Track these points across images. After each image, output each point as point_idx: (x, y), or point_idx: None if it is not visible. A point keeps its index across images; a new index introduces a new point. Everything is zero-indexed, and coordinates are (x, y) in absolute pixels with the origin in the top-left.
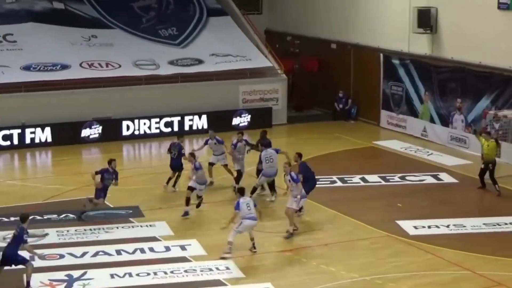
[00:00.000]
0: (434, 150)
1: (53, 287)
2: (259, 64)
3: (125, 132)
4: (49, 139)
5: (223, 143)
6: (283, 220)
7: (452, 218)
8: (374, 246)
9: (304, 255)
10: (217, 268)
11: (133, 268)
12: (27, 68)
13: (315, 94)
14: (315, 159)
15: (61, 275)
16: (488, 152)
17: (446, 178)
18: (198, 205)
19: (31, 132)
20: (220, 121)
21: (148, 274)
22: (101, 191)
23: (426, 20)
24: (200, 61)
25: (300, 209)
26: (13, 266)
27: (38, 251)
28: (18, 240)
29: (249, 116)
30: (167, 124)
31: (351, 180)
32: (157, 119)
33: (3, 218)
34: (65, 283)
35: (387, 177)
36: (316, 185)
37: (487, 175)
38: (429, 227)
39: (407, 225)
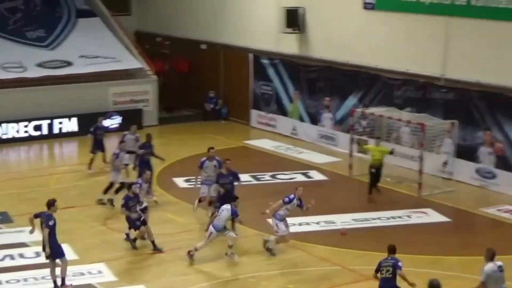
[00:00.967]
0: (304, 148)
1: None
2: (129, 66)
3: None
4: None
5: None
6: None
7: (322, 215)
8: (247, 245)
9: (177, 257)
10: (89, 272)
11: (3, 275)
12: None
13: (186, 95)
14: (187, 160)
15: None
16: (380, 157)
17: (316, 175)
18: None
19: None
20: (91, 123)
21: (18, 281)
22: None
23: (294, 20)
24: (69, 63)
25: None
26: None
27: None
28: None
29: (120, 118)
30: (36, 128)
31: None
32: (26, 123)
33: None
34: None
35: (258, 176)
36: (188, 186)
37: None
38: (300, 224)
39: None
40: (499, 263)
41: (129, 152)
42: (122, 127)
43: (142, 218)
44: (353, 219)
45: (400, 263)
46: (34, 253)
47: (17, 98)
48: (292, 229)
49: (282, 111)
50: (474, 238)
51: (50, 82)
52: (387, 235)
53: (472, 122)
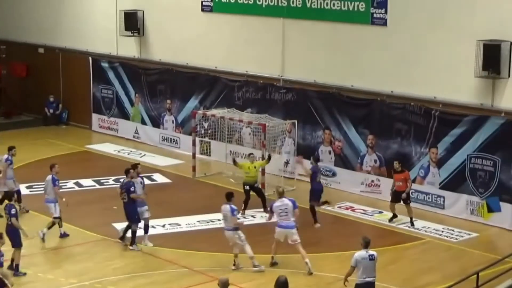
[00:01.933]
0: (146, 152)
1: None
2: None
3: None
4: None
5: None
6: None
7: (167, 218)
8: (92, 251)
9: (20, 265)
10: None
11: None
12: None
13: (24, 100)
14: (28, 166)
15: None
16: (254, 174)
17: (159, 178)
18: None
19: None
20: None
21: None
22: None
23: (133, 23)
24: None
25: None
26: None
27: None
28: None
29: None
30: None
31: (65, 185)
32: None
33: None
34: None
35: (102, 181)
36: (30, 193)
37: None
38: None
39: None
40: (371, 252)
41: None
42: None
43: None
44: (198, 221)
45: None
46: None
47: None
48: (138, 233)
49: (124, 115)
50: (316, 235)
51: None
52: None
53: (311, 122)
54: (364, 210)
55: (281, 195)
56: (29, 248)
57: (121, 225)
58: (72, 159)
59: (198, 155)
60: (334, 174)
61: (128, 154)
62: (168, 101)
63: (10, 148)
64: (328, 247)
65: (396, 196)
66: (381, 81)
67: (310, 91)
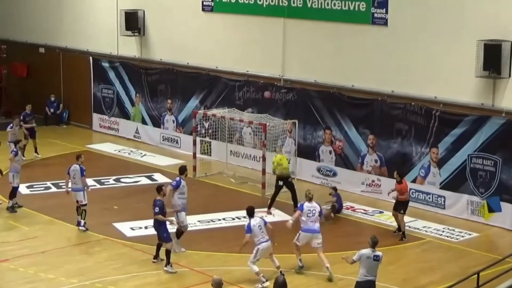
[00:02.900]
0: (147, 151)
1: None
2: None
3: None
4: None
5: None
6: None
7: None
8: (92, 250)
9: (21, 264)
10: None
11: None
12: None
13: (25, 99)
14: (28, 165)
15: None
16: (287, 165)
17: (160, 178)
18: None
19: None
20: None
21: None
22: None
23: (133, 22)
24: None
25: None
26: None
27: None
28: None
29: None
30: None
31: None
32: None
33: None
34: None
35: (102, 180)
36: (30, 192)
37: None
38: (145, 227)
39: (124, 227)
40: (378, 252)
41: None
42: None
43: None
44: (198, 221)
45: None
46: None
47: None
48: (138, 233)
49: (124, 115)
50: None
51: None
52: (233, 235)
53: (312, 122)
54: (364, 210)
55: (310, 200)
56: (29, 248)
57: (121, 225)
58: (73, 159)
59: (198, 155)
60: (334, 174)
61: (129, 154)
62: (169, 101)
63: (78, 157)
64: (328, 247)
65: (398, 206)
66: (382, 81)
67: (310, 91)
